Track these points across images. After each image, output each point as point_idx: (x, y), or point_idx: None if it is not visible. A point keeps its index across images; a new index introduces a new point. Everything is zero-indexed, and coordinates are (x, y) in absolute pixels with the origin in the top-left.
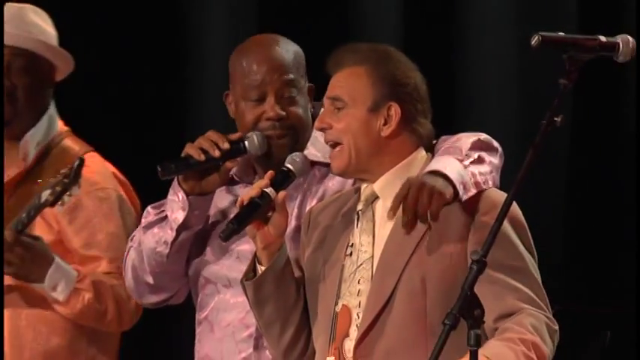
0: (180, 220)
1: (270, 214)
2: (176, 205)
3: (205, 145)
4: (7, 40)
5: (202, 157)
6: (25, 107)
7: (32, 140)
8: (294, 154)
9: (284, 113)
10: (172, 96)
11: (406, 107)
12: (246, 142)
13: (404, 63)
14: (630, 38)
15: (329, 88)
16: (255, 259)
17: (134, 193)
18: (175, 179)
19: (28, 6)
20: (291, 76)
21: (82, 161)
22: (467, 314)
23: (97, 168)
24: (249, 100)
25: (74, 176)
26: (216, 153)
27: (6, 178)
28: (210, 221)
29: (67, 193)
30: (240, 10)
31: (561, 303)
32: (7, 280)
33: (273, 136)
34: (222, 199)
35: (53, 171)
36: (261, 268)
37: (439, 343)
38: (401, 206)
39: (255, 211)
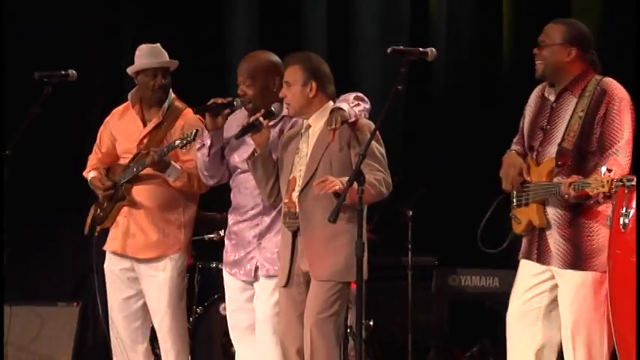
0: (209, 143)
1: (260, 130)
2: (206, 136)
3: (215, 100)
4: (156, 65)
5: (213, 104)
6: (164, 93)
7: (165, 106)
8: (275, 103)
9: (242, 92)
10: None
11: (319, 82)
12: (234, 102)
13: (317, 60)
14: (433, 49)
15: (284, 77)
16: (253, 151)
17: None
18: (204, 127)
19: (156, 45)
20: (245, 75)
21: (197, 131)
22: (358, 179)
23: (192, 115)
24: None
25: (193, 137)
26: (220, 101)
27: (150, 126)
28: (230, 142)
29: (188, 145)
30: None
31: (398, 174)
32: (142, 185)
33: (245, 102)
34: (233, 130)
35: (170, 119)
36: (256, 154)
37: (346, 189)
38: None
39: (253, 127)
